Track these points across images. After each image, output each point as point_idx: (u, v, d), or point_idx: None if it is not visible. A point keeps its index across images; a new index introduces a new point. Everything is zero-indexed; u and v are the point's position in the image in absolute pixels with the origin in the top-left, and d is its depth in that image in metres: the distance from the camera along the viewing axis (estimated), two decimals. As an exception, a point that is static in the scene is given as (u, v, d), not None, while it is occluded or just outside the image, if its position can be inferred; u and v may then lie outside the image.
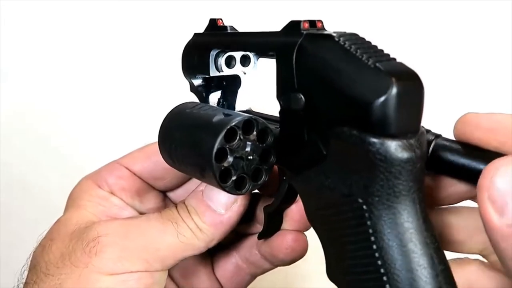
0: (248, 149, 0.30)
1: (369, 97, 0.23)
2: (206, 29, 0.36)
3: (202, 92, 0.36)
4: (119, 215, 0.35)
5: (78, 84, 0.67)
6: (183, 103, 0.33)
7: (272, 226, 0.35)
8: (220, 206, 0.32)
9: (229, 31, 0.34)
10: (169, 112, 0.33)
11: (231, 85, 0.36)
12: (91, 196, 0.35)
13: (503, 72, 0.67)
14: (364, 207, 0.24)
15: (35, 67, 0.66)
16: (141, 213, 0.37)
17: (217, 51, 0.34)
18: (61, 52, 0.66)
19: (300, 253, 0.36)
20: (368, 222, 0.24)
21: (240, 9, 0.64)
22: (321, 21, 0.28)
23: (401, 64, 0.25)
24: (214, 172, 0.29)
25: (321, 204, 0.27)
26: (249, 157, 0.30)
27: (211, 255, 0.40)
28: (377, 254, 0.24)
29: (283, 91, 0.28)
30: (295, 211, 0.35)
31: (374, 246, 0.24)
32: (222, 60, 0.34)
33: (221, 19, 0.35)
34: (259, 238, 0.36)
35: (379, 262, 0.24)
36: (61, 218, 0.35)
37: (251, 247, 0.39)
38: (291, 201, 0.34)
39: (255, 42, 0.31)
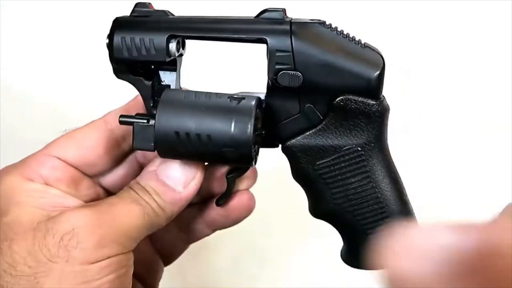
0: (260, 125, 0.34)
1: (370, 71, 0.32)
2: (132, 13, 0.35)
3: (144, 77, 0.35)
4: (64, 205, 0.34)
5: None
6: (170, 92, 0.33)
7: (230, 191, 0.39)
8: (178, 184, 0.35)
9: (169, 16, 0.35)
10: (165, 104, 0.32)
11: (168, 68, 0.36)
12: (27, 191, 0.34)
13: (503, 72, 0.67)
14: (362, 153, 0.34)
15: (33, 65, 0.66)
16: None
17: (167, 35, 0.33)
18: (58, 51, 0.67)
19: (251, 210, 0.41)
20: (365, 163, 0.34)
21: None
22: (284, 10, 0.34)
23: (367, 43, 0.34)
24: (251, 154, 0.32)
25: (323, 158, 0.34)
26: (262, 133, 0.34)
27: None
28: (373, 185, 0.34)
29: (278, 70, 0.32)
30: (252, 172, 0.40)
31: (371, 180, 0.34)
32: (173, 45, 0.34)
33: (150, 3, 0.35)
34: (219, 204, 0.39)
35: (376, 190, 0.34)
36: (6, 220, 0.33)
37: (194, 215, 0.41)
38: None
39: (241, 29, 0.33)
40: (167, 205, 0.34)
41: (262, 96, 0.34)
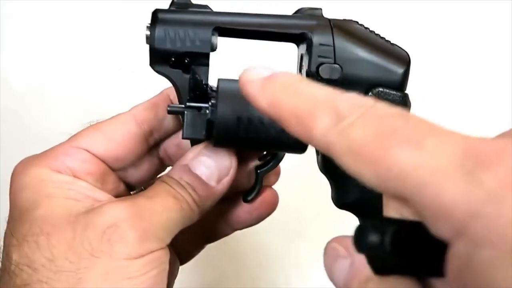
0: None
1: (399, 66, 0.35)
2: (171, 5, 0.35)
3: (183, 69, 0.36)
4: (95, 198, 0.33)
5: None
6: (226, 80, 0.33)
7: (260, 186, 0.39)
8: (212, 179, 0.34)
9: (209, 10, 0.35)
10: (225, 90, 0.33)
11: (201, 62, 0.36)
12: (56, 183, 0.33)
13: (503, 72, 0.67)
14: None
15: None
16: None
17: (212, 27, 0.34)
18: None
19: (275, 206, 0.41)
20: None
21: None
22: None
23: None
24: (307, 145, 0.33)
25: None
26: None
27: None
28: None
29: (321, 63, 0.34)
30: (278, 169, 0.40)
31: None
32: (216, 38, 0.35)
33: None
34: (247, 200, 0.39)
35: None
36: (39, 213, 0.31)
37: (216, 214, 0.40)
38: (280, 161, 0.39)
39: (285, 24, 0.35)
40: (201, 200, 0.34)
41: None
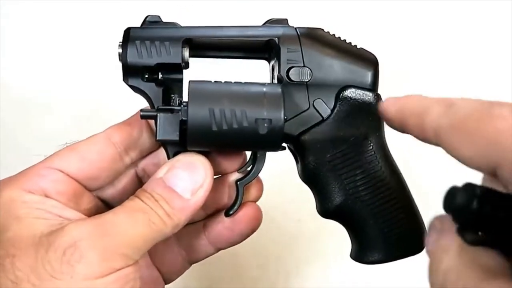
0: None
1: (368, 67, 0.37)
2: (142, 24, 0.37)
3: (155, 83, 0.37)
4: (64, 217, 0.33)
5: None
6: (196, 81, 0.35)
7: (240, 198, 0.39)
8: (186, 191, 0.34)
9: (179, 26, 0.37)
10: (196, 87, 0.34)
11: (175, 79, 0.37)
12: (26, 203, 0.33)
13: (503, 72, 0.67)
14: (370, 140, 0.37)
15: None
16: None
17: (182, 39, 0.36)
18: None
19: (259, 222, 0.40)
20: (372, 148, 0.37)
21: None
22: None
23: None
24: (283, 127, 0.34)
25: (333, 150, 0.37)
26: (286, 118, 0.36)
27: None
28: (381, 167, 0.37)
29: (290, 67, 0.36)
30: (259, 183, 0.40)
31: (378, 163, 0.37)
32: (186, 50, 0.36)
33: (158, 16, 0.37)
34: (228, 214, 0.39)
35: (383, 170, 0.37)
36: (8, 235, 0.31)
37: (197, 232, 0.41)
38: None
39: (253, 34, 0.36)
40: (175, 213, 0.33)
41: None
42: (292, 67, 0.36)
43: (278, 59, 0.36)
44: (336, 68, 0.36)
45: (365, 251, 0.39)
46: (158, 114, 0.34)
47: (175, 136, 0.34)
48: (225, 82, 0.35)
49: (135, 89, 0.37)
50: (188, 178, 0.34)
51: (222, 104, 0.33)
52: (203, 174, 0.35)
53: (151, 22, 0.36)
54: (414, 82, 0.67)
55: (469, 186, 0.21)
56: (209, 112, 0.33)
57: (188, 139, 0.34)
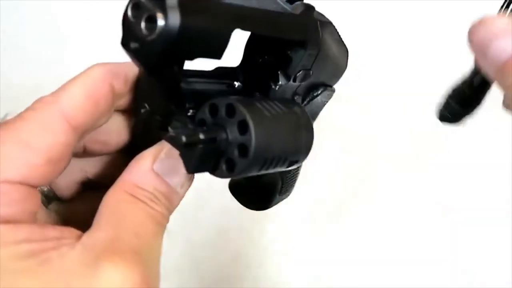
0: None
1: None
2: None
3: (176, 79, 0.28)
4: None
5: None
6: (256, 111, 0.27)
7: None
8: (178, 186, 0.29)
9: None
10: (258, 126, 0.26)
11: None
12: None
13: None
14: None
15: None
16: None
17: (232, 30, 0.27)
18: None
19: None
20: None
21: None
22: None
23: None
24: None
25: None
26: None
27: None
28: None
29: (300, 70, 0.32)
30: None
31: None
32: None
33: None
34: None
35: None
36: None
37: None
38: None
39: (287, 24, 0.30)
40: (172, 209, 0.29)
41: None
42: (302, 70, 0.32)
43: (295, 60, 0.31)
44: (332, 72, 0.35)
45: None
46: (200, 146, 0.26)
47: (208, 169, 0.27)
48: (266, 104, 0.28)
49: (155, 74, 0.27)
50: (182, 170, 0.28)
51: (277, 155, 0.28)
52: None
53: None
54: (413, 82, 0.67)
55: None
56: (264, 161, 0.27)
57: (239, 174, 0.27)
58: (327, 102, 0.36)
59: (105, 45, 0.71)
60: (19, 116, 0.27)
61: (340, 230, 0.69)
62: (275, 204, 0.41)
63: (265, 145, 0.26)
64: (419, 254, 0.67)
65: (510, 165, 0.70)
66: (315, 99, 0.35)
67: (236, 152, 0.26)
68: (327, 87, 0.35)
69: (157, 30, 0.24)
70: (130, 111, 0.31)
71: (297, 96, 0.34)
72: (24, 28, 0.78)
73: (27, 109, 0.27)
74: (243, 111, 0.26)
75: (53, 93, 0.28)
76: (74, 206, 0.32)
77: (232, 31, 0.26)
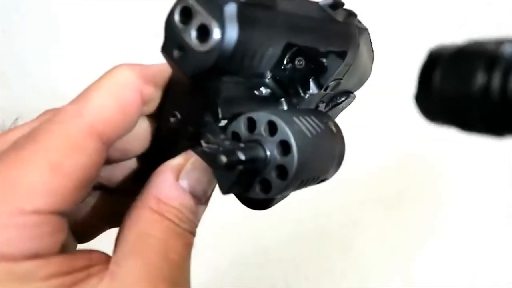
0: None
1: None
2: None
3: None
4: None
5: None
6: (298, 131, 0.25)
7: None
8: (204, 199, 0.27)
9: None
10: (301, 149, 0.25)
11: None
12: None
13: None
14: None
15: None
16: None
17: (284, 44, 0.26)
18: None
19: None
20: None
21: None
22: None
23: None
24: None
25: None
26: None
27: None
28: None
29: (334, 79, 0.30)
30: None
31: None
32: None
33: None
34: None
35: None
36: None
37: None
38: None
39: (331, 33, 0.29)
40: (197, 224, 0.27)
41: None
42: (335, 79, 0.30)
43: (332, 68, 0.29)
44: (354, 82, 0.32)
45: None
46: (240, 168, 0.24)
47: (243, 189, 0.25)
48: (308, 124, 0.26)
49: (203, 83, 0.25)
50: (208, 182, 0.26)
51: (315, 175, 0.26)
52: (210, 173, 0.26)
53: None
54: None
55: None
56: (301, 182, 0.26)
57: (274, 195, 0.26)
58: (345, 108, 0.34)
59: (105, 45, 0.72)
60: (42, 130, 0.23)
61: (342, 229, 0.69)
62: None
63: (304, 167, 0.25)
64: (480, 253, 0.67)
65: None
66: (337, 107, 0.32)
67: (273, 174, 0.24)
68: (350, 93, 0.33)
69: (211, 43, 0.21)
70: (154, 117, 0.28)
71: (321, 104, 0.31)
72: (24, 28, 0.78)
73: (49, 122, 0.24)
74: (286, 131, 0.24)
75: (76, 103, 0.24)
76: (82, 205, 0.30)
77: (283, 45, 0.25)
